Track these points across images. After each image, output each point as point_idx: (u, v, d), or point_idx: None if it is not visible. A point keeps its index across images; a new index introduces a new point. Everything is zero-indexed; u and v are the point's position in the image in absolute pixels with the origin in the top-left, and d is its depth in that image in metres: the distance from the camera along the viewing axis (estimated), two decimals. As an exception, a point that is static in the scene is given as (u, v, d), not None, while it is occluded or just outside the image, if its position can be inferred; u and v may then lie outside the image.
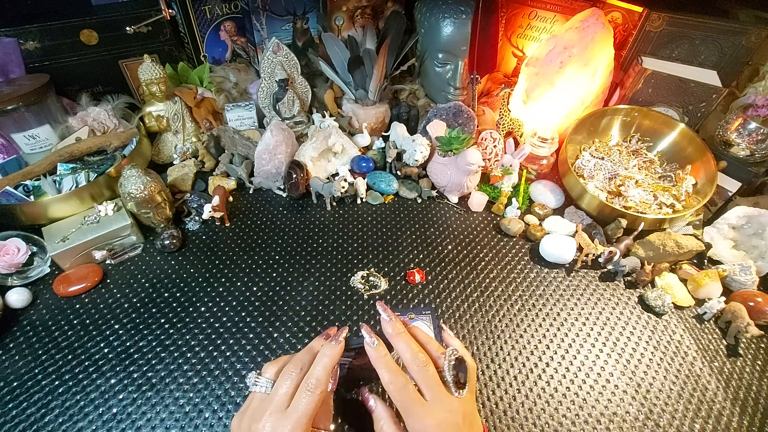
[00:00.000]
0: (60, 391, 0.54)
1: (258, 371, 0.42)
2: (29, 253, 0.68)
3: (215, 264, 0.72)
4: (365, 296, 0.67)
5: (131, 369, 0.57)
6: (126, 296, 0.66)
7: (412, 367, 0.39)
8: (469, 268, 0.73)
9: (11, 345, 0.59)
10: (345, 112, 0.99)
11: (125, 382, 0.55)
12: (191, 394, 0.54)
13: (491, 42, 0.98)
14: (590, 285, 0.72)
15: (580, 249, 0.74)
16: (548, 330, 0.64)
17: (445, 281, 0.70)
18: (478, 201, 0.84)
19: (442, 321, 0.64)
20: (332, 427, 0.43)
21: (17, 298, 0.63)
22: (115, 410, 0.53)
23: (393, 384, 0.39)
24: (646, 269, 0.71)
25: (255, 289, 0.68)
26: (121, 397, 0.54)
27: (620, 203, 0.80)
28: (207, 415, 0.52)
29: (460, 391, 0.39)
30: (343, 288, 0.69)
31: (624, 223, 0.76)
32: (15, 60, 0.82)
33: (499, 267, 0.74)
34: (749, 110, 0.78)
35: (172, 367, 0.57)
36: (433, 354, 0.41)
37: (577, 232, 0.77)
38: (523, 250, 0.77)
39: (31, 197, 0.73)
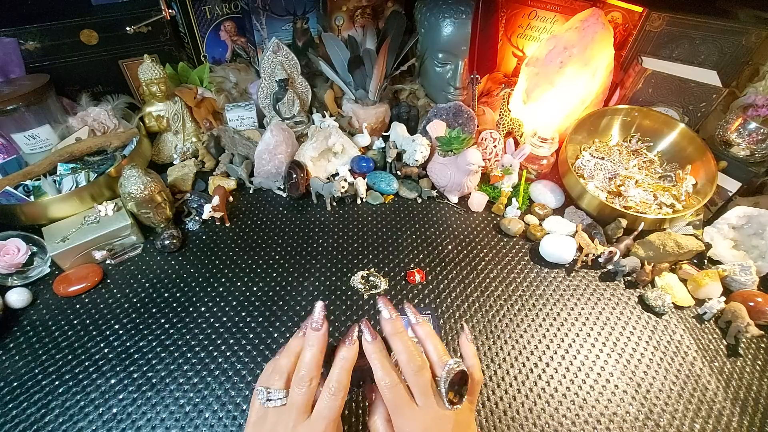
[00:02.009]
0: (60, 391, 0.54)
1: (267, 387, 0.38)
2: (29, 253, 0.68)
3: (215, 264, 0.72)
4: (365, 296, 0.67)
5: (131, 369, 0.57)
6: (126, 296, 0.66)
7: (406, 370, 0.38)
8: (469, 268, 0.73)
9: (11, 345, 0.59)
10: (345, 112, 0.99)
11: (125, 382, 0.55)
12: (191, 394, 0.54)
13: (491, 42, 0.98)
14: (590, 285, 0.72)
15: (580, 249, 0.74)
16: (548, 330, 0.64)
17: (445, 281, 0.70)
18: (478, 201, 0.84)
19: (464, 320, 0.64)
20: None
21: (17, 298, 0.63)
22: (115, 410, 0.53)
23: (384, 381, 0.37)
24: (646, 269, 0.71)
25: (255, 289, 0.68)
26: (121, 397, 0.54)
27: (620, 203, 0.80)
28: (207, 415, 0.52)
29: (454, 406, 0.37)
30: (343, 288, 0.69)
31: (624, 223, 0.76)
32: (15, 60, 0.82)
33: (499, 267, 0.74)
34: (749, 110, 0.78)
35: (172, 367, 0.57)
36: (432, 358, 0.40)
37: (577, 232, 0.77)
38: (523, 250, 0.77)
39: (31, 197, 0.73)
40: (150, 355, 0.58)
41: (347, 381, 0.38)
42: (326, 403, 0.36)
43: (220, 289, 0.68)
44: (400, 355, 0.39)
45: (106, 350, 0.59)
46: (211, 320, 0.63)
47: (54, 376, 0.56)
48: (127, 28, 0.90)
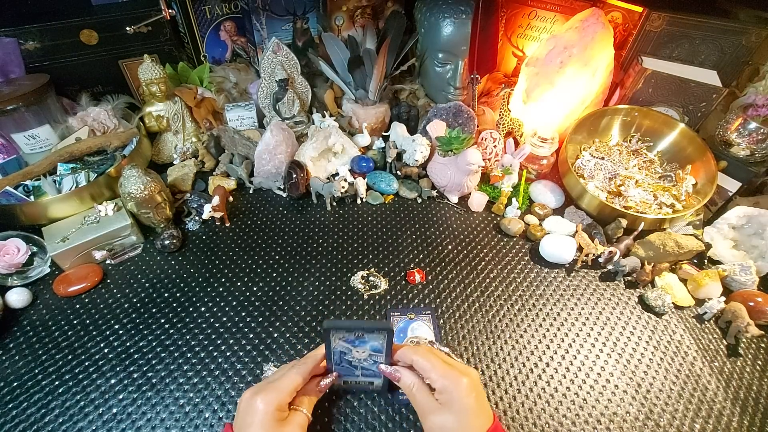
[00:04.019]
0: (60, 391, 0.54)
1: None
2: (29, 253, 0.68)
3: (215, 264, 0.72)
4: (365, 296, 0.67)
5: (131, 369, 0.57)
6: (126, 296, 0.66)
7: (423, 350, 0.48)
8: (469, 268, 0.73)
9: (11, 345, 0.59)
10: (345, 112, 0.99)
11: (125, 382, 0.55)
12: (191, 394, 0.54)
13: (491, 42, 0.98)
14: (590, 285, 0.72)
15: (580, 249, 0.74)
16: (548, 330, 0.64)
17: (445, 281, 0.70)
18: (478, 201, 0.84)
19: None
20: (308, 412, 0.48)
21: (17, 298, 0.63)
22: (115, 410, 0.53)
23: (429, 356, 0.46)
24: (646, 269, 0.71)
25: (255, 289, 0.68)
26: (121, 397, 0.54)
27: (620, 203, 0.80)
28: (207, 415, 0.52)
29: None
30: (343, 288, 0.69)
31: (624, 223, 0.76)
32: (15, 60, 0.82)
33: (499, 267, 0.74)
34: (749, 110, 0.78)
35: (172, 367, 0.57)
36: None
37: (577, 232, 0.77)
38: (523, 250, 0.77)
39: (31, 197, 0.73)
40: (150, 355, 0.58)
41: (291, 380, 0.46)
42: (285, 371, 0.47)
43: (220, 289, 0.68)
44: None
45: (106, 350, 0.59)
46: (211, 320, 0.63)
47: (54, 376, 0.56)
48: (127, 28, 0.90)
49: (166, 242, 0.72)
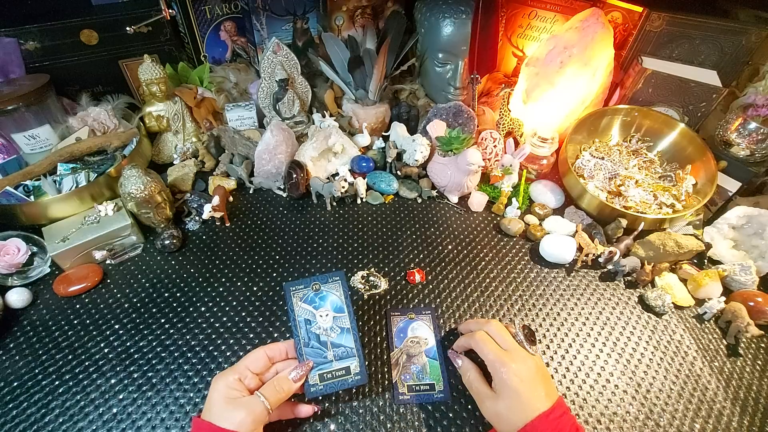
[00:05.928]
0: (60, 391, 0.54)
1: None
2: (29, 253, 0.68)
3: (215, 264, 0.72)
4: (365, 296, 0.67)
5: (131, 369, 0.57)
6: (126, 296, 0.66)
7: (491, 329, 0.52)
8: (469, 268, 0.73)
9: (11, 345, 0.59)
10: (345, 112, 0.99)
11: (125, 381, 0.55)
12: (191, 394, 0.54)
13: (491, 42, 0.97)
14: (590, 285, 0.72)
15: (580, 249, 0.74)
16: (548, 330, 0.64)
17: (445, 281, 0.70)
18: (478, 201, 0.84)
19: (464, 320, 0.64)
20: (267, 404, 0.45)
21: (17, 298, 0.63)
22: (115, 410, 0.53)
23: (483, 342, 0.50)
24: (646, 269, 0.71)
25: (255, 289, 0.68)
26: (121, 396, 0.54)
27: (620, 203, 0.80)
28: (207, 415, 0.52)
29: (533, 347, 0.51)
30: (343, 288, 0.69)
31: (624, 223, 0.76)
32: (15, 60, 0.82)
33: (499, 267, 0.74)
34: (749, 110, 0.78)
35: (172, 367, 0.57)
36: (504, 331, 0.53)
37: (577, 232, 0.77)
38: (523, 250, 0.77)
39: (31, 197, 0.73)
40: (150, 355, 0.58)
41: (247, 358, 0.49)
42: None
43: (220, 289, 0.68)
44: (490, 327, 0.53)
45: (106, 350, 0.59)
46: (211, 320, 0.63)
47: (54, 376, 0.56)
48: (127, 28, 0.90)
49: (166, 242, 0.72)
